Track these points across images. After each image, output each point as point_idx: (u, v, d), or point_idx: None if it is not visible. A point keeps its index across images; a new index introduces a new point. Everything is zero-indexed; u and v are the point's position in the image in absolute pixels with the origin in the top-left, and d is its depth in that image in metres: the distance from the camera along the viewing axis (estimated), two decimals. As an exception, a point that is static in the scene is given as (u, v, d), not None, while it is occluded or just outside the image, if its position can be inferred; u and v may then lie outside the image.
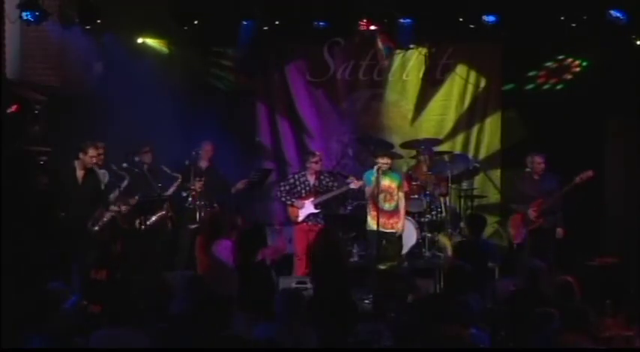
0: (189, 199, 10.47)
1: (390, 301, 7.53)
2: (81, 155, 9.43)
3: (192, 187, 10.47)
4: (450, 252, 10.50)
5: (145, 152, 10.29)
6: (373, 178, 10.04)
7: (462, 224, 11.19)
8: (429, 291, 9.71)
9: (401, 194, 10.21)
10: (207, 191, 10.56)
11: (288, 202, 10.44)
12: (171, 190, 10.22)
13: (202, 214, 10.33)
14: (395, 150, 11.56)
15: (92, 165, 9.51)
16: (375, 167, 9.99)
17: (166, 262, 10.33)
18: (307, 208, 10.35)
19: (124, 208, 9.61)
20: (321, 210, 10.44)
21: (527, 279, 7.42)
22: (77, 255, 9.18)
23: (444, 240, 10.97)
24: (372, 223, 10.04)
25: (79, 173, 9.49)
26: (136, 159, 10.13)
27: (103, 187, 9.69)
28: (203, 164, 10.74)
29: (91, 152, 9.44)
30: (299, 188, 10.41)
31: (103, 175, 9.83)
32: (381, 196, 10.02)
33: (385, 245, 10.00)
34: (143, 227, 9.81)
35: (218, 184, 10.71)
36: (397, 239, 10.23)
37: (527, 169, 10.46)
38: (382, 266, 9.47)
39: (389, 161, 10.12)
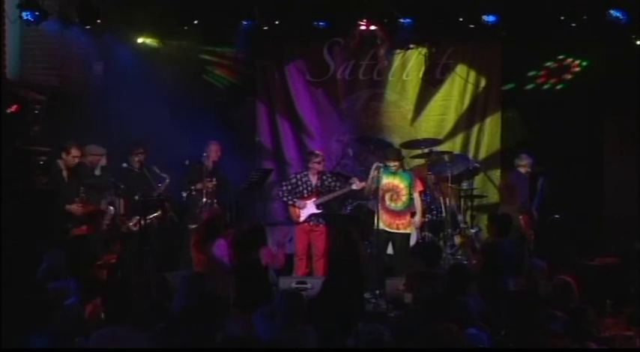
0: (203, 199, 10.47)
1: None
2: (63, 155, 9.50)
3: (199, 187, 10.50)
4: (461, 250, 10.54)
5: (138, 153, 10.30)
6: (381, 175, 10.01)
7: (462, 224, 11.19)
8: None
9: (415, 194, 10.12)
10: (217, 191, 10.60)
11: (290, 202, 10.42)
12: (159, 190, 10.20)
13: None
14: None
15: (75, 165, 9.55)
16: (374, 165, 9.99)
17: (166, 262, 10.33)
18: (309, 208, 10.33)
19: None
20: (322, 210, 10.43)
21: (527, 279, 7.42)
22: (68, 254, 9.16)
23: (459, 240, 10.95)
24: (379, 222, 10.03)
25: (64, 172, 9.53)
26: (136, 159, 10.15)
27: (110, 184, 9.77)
28: (209, 164, 10.76)
29: (74, 152, 9.51)
30: (301, 188, 10.38)
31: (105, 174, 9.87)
32: (388, 195, 10.01)
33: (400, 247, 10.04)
34: (137, 227, 9.84)
35: (222, 184, 10.74)
36: (406, 239, 10.17)
37: (521, 169, 10.51)
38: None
39: (397, 163, 10.10)
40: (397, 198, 10.07)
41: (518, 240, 10.31)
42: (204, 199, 10.47)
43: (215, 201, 10.52)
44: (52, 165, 9.59)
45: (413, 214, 10.18)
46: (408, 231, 10.15)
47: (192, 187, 10.56)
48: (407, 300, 8.85)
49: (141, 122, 10.49)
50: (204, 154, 10.68)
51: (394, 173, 10.04)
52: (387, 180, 10.01)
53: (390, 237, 10.07)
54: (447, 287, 7.29)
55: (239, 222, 10.47)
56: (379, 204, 9.99)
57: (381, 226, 9.93)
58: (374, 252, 10.10)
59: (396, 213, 10.05)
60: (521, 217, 10.50)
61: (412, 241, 10.78)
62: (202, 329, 5.82)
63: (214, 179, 10.60)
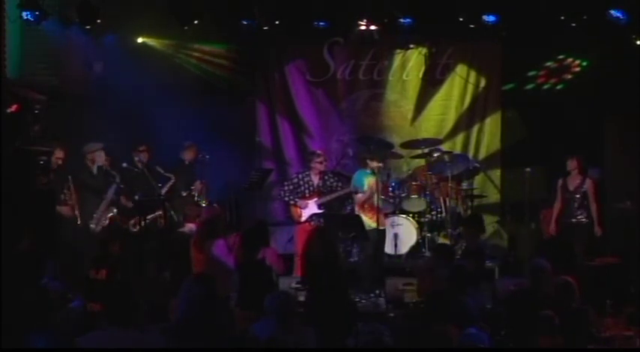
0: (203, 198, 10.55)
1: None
2: None
3: (193, 187, 10.53)
4: None
5: (141, 151, 10.30)
6: (366, 179, 10.07)
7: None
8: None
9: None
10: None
11: (292, 202, 10.41)
12: (164, 190, 10.21)
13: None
14: (395, 150, 11.59)
15: (56, 166, 9.54)
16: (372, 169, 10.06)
17: (166, 262, 10.32)
18: (310, 208, 10.32)
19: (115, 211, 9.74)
20: (324, 210, 10.42)
21: (530, 279, 7.41)
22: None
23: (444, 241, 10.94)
24: (370, 223, 10.04)
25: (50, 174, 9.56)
26: (136, 158, 10.15)
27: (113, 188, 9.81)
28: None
29: (57, 153, 9.50)
30: (302, 188, 10.38)
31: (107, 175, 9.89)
32: (375, 196, 10.04)
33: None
34: (139, 227, 9.84)
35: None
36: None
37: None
38: None
39: (381, 164, 10.19)
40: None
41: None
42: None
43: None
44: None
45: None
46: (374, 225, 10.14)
47: (192, 187, 10.57)
48: (407, 299, 8.90)
49: (140, 122, 10.48)
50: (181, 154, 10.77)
51: (374, 174, 10.10)
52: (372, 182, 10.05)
53: (383, 234, 10.12)
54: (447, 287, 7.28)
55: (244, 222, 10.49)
56: (368, 206, 10.11)
57: (374, 225, 9.96)
58: (369, 252, 10.12)
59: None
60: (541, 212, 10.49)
61: (412, 241, 10.81)
62: (203, 329, 5.81)
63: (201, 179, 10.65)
